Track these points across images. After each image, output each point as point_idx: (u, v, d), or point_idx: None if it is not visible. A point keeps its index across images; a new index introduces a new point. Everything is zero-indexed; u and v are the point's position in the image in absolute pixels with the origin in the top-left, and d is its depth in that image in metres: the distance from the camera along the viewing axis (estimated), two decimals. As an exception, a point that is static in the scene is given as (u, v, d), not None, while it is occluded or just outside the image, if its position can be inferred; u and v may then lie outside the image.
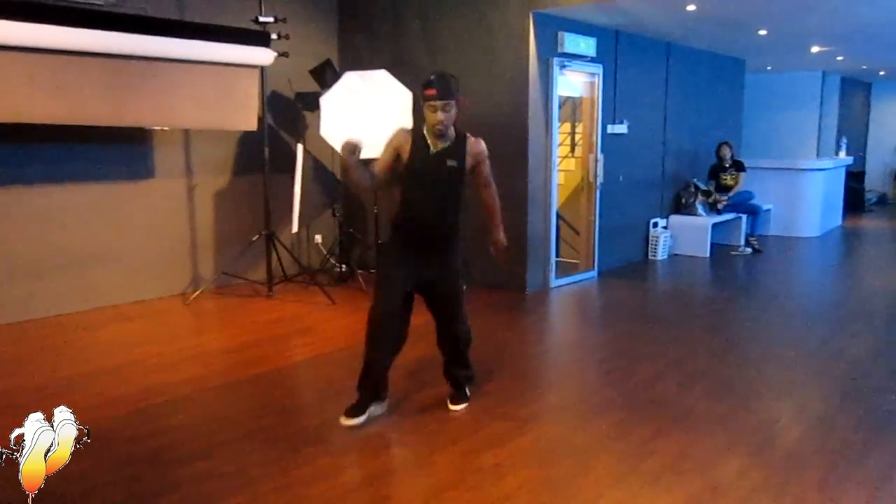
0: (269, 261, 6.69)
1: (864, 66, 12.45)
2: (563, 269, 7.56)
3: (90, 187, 6.12)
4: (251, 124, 6.40)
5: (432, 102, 3.52)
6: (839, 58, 10.69)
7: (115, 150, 6.25)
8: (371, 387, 3.79)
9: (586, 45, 7.15)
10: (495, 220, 3.91)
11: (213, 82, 6.08)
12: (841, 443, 3.59)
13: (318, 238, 7.88)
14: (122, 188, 6.34)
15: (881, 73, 13.58)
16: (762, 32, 8.18)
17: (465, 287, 3.82)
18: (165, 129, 6.41)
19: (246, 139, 6.96)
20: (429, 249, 3.71)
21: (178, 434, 3.74)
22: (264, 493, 3.07)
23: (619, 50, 7.81)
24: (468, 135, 3.71)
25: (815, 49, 9.61)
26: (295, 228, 6.83)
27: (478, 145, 3.70)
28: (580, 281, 7.55)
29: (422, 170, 3.63)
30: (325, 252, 7.79)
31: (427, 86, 3.53)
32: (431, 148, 3.63)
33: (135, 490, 3.05)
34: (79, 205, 6.06)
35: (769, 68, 12.00)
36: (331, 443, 3.62)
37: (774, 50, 9.83)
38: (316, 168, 7.63)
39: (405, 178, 3.68)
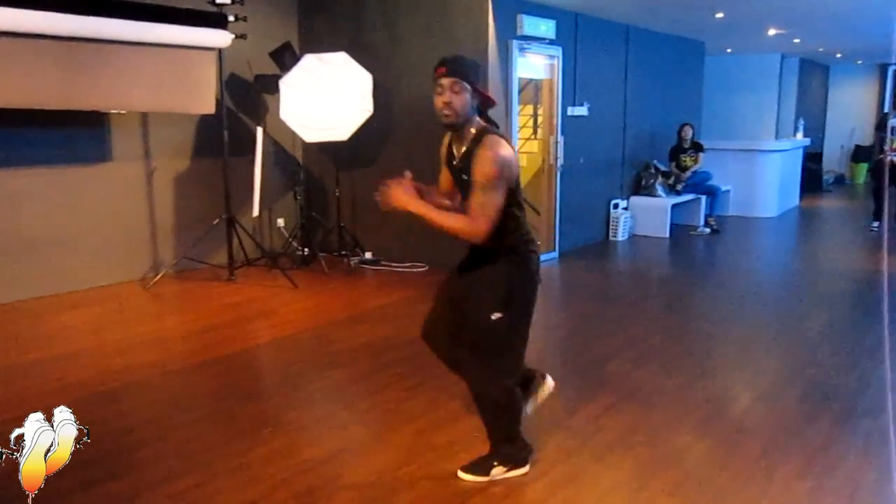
0: (230, 245, 6.66)
1: (821, 49, 12.67)
2: (525, 251, 7.62)
3: (46, 171, 6.03)
4: (209, 107, 6.35)
5: (439, 81, 2.72)
6: (796, 40, 10.87)
7: (71, 134, 6.17)
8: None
9: (546, 28, 7.20)
10: (433, 212, 2.77)
11: (169, 65, 6.01)
12: (783, 416, 3.72)
13: (281, 221, 7.87)
14: (79, 172, 6.25)
15: (838, 55, 13.82)
16: (719, 15, 8.29)
17: (498, 316, 2.95)
18: (122, 112, 6.34)
19: (205, 122, 6.90)
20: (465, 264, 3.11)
21: (136, 417, 3.76)
22: (221, 473, 3.11)
23: (578, 33, 7.87)
24: (488, 135, 2.75)
25: (771, 32, 9.76)
26: (256, 212, 6.81)
27: (487, 148, 2.69)
28: (541, 262, 7.62)
29: (455, 183, 2.95)
30: (287, 235, 7.78)
31: (437, 66, 2.76)
32: (455, 155, 2.88)
33: (88, 474, 3.06)
34: (35, 190, 5.98)
35: (729, 51, 12.15)
36: (289, 424, 3.67)
37: (732, 32, 9.96)
38: (276, 151, 7.60)
39: None
